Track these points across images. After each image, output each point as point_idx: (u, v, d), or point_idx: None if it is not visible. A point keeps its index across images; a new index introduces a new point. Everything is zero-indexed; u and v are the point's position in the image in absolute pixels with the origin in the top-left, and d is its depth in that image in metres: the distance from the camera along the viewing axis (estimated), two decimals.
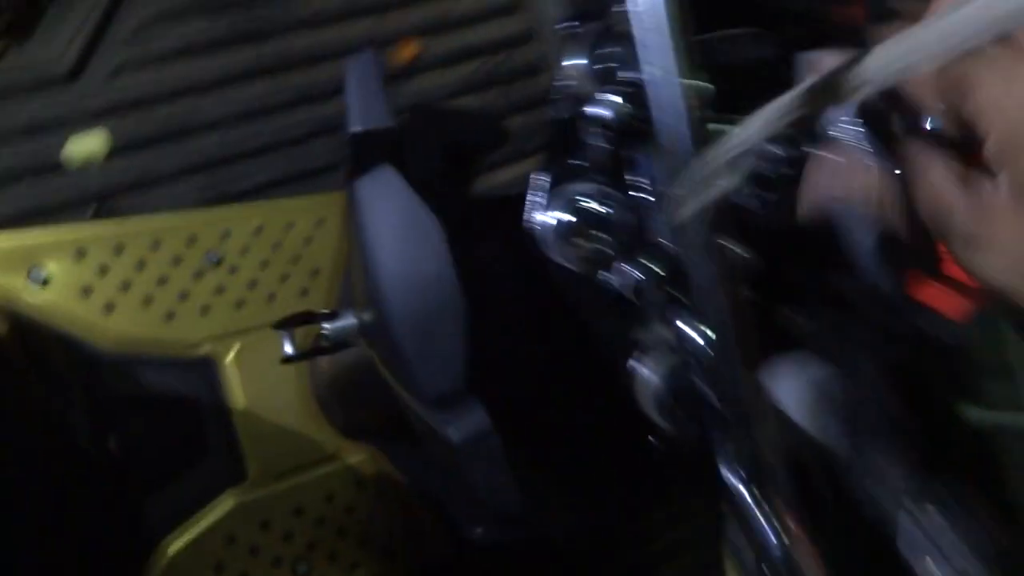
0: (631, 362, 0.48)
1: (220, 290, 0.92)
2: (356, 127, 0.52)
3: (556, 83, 0.48)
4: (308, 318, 0.58)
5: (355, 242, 0.51)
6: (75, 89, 1.09)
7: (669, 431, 0.48)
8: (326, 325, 0.57)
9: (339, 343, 0.58)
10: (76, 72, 1.09)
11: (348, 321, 0.57)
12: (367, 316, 0.53)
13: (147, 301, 0.90)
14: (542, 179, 0.48)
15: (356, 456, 0.95)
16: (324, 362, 0.90)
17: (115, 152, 1.09)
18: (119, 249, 0.91)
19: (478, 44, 1.26)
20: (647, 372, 0.46)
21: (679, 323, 0.45)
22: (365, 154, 0.50)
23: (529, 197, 0.48)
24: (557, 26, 0.50)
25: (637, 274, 0.46)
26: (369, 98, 0.52)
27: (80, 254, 0.89)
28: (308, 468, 0.93)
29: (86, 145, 1.09)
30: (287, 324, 0.59)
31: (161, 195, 1.09)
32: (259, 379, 0.91)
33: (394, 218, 0.48)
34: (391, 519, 0.96)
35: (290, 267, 0.94)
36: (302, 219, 0.96)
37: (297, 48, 1.18)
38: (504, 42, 1.27)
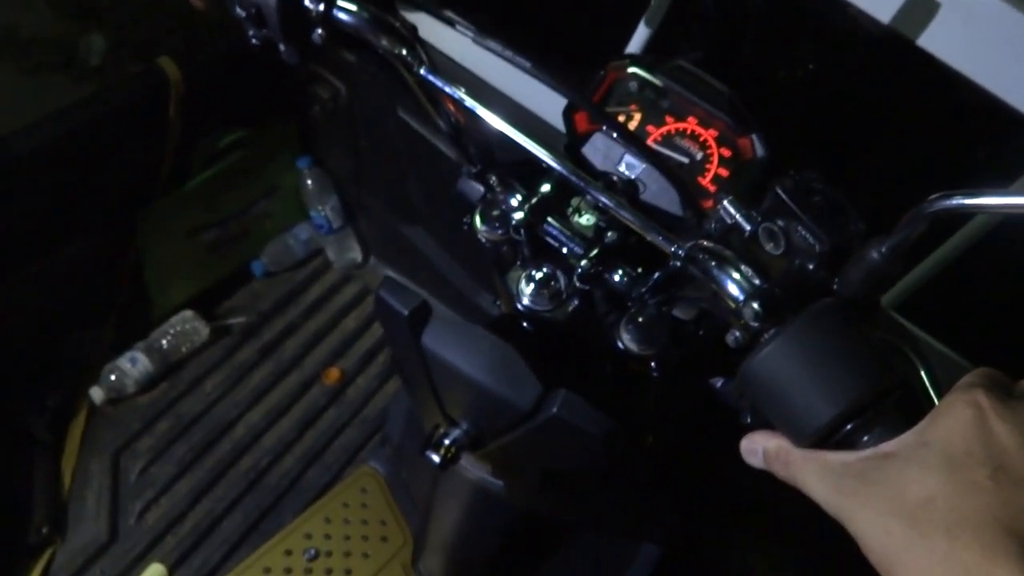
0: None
1: (329, 571, 1.13)
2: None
3: None
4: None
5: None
6: (119, 546, 1.31)
7: None
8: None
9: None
10: (113, 534, 1.32)
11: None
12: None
13: None
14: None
15: None
16: (438, 570, 1.09)
17: (174, 567, 1.30)
18: None
19: None
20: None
21: None
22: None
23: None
24: None
25: None
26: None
27: None
28: None
29: None
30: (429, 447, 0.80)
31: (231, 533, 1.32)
32: None
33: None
34: None
35: (365, 527, 1.18)
36: (350, 490, 1.22)
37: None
38: None
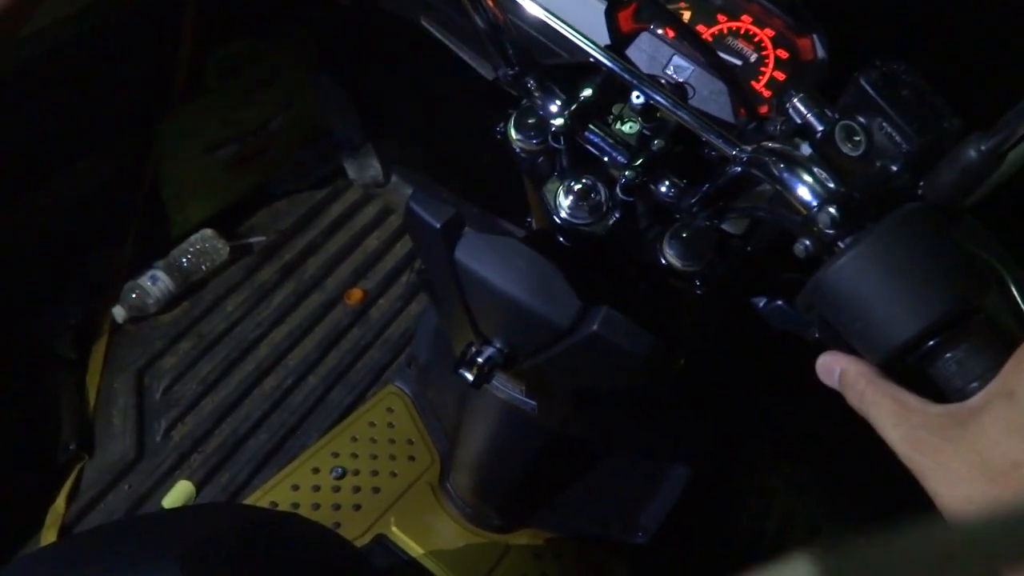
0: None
1: (357, 489, 1.13)
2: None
3: None
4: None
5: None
6: (146, 463, 1.32)
7: None
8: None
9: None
10: (140, 451, 1.33)
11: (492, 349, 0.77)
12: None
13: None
14: None
15: (521, 539, 1.13)
16: (466, 490, 1.09)
17: (200, 484, 1.31)
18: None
19: None
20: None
21: None
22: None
23: None
24: None
25: None
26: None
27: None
28: (499, 567, 1.10)
29: (177, 496, 1.30)
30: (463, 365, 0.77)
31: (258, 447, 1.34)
32: (422, 527, 1.10)
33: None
34: (574, 566, 1.13)
35: (392, 446, 1.18)
36: (376, 410, 1.22)
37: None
38: None
